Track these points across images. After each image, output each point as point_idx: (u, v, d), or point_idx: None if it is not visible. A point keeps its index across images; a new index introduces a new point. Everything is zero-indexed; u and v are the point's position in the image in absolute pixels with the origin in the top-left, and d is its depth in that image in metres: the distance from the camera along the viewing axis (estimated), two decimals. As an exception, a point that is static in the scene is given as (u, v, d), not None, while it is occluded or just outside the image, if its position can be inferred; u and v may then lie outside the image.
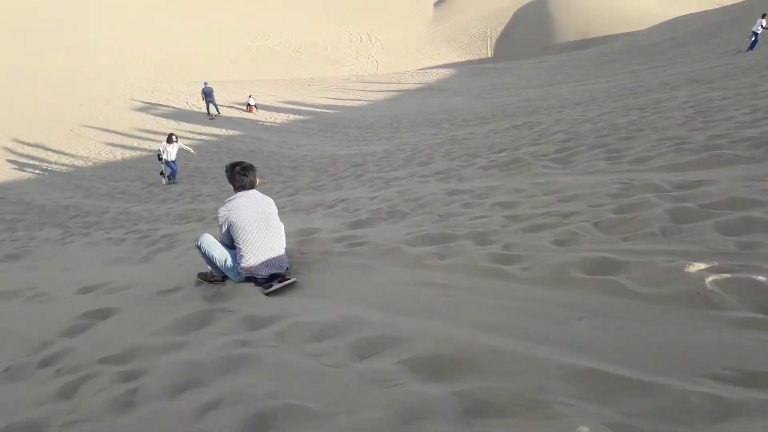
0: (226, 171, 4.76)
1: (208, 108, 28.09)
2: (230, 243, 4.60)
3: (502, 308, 3.22)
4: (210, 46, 50.54)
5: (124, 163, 20.80)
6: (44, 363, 3.75)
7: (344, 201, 8.03)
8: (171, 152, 16.06)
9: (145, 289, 5.07)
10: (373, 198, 7.64)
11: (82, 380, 3.25)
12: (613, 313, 2.97)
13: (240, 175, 4.64)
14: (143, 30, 52.20)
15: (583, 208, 4.91)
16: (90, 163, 21.24)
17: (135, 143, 23.52)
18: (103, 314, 4.51)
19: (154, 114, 28.35)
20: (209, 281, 4.79)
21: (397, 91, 35.06)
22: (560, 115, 14.24)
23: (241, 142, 22.33)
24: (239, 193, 4.65)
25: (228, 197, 4.68)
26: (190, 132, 24.68)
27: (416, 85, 36.89)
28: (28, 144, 23.87)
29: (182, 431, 2.48)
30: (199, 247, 4.64)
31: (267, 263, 4.47)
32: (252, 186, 4.68)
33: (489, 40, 57.54)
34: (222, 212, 4.53)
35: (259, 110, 28.65)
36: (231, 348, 3.27)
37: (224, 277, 4.70)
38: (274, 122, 26.33)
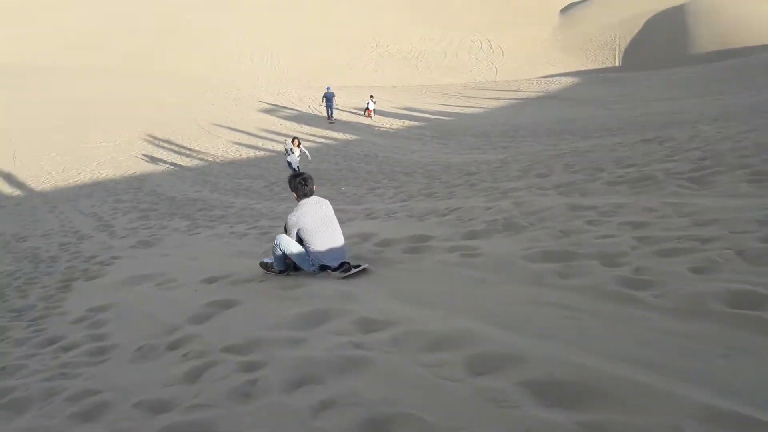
0: (289, 182, 5.61)
1: (328, 112, 29.09)
2: (299, 243, 5.34)
3: (632, 337, 3.02)
4: (332, 53, 52.38)
5: (249, 162, 21.98)
6: (173, 346, 4.02)
7: (457, 210, 7.95)
8: (296, 156, 16.72)
9: (265, 283, 5.30)
10: (488, 208, 7.49)
11: (206, 366, 3.44)
12: (760, 353, 2.68)
13: (302, 185, 5.42)
14: (273, 37, 55.08)
15: (724, 233, 4.51)
16: (217, 160, 22.65)
17: (259, 143, 24.81)
18: (227, 304, 4.77)
19: (278, 116, 29.79)
20: (268, 271, 5.70)
21: (515, 99, 34.40)
22: (695, 131, 13.26)
23: (358, 146, 22.85)
24: (302, 201, 5.43)
25: (294, 206, 5.54)
26: (310, 135, 25.65)
27: (536, 94, 35.99)
28: (163, 140, 25.90)
29: (297, 428, 2.54)
30: (278, 245, 5.33)
31: (335, 255, 5.30)
32: (311, 193, 5.47)
33: (617, 49, 54.99)
34: (291, 220, 5.33)
35: (376, 115, 29.23)
36: (346, 349, 3.32)
37: (281, 271, 5.52)
38: (389, 128, 26.75)
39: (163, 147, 24.98)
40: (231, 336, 3.92)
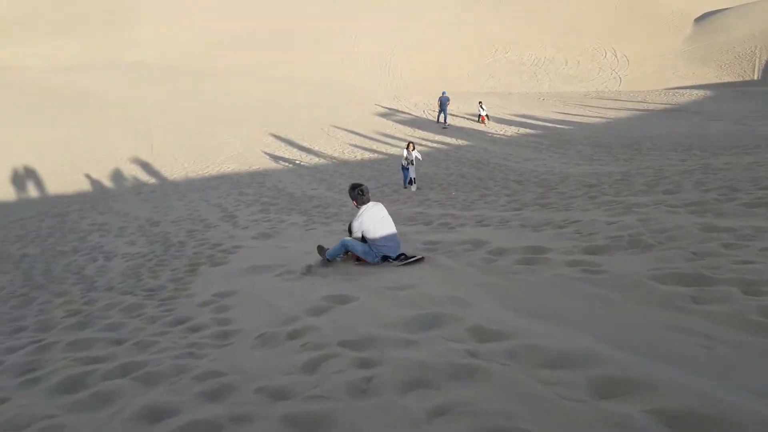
0: (350, 192, 6.83)
1: (438, 117, 29.11)
2: (363, 241, 6.55)
3: (779, 374, 2.72)
4: (450, 59, 52.33)
5: (362, 163, 22.47)
6: (292, 335, 4.16)
7: (576, 223, 7.62)
8: (409, 160, 16.64)
9: (378, 282, 5.36)
10: (611, 223, 7.11)
11: (323, 358, 3.52)
12: None
13: (360, 195, 6.68)
14: (392, 43, 56.00)
15: None
16: (333, 161, 23.35)
17: (374, 146, 25.29)
18: (342, 299, 4.87)
19: (393, 120, 30.21)
20: (320, 255, 7.05)
21: (640, 110, 32.53)
22: None
23: (469, 152, 22.65)
24: (363, 208, 6.62)
25: (355, 212, 6.75)
26: (423, 139, 25.77)
27: (663, 106, 33.82)
28: (285, 139, 27.09)
29: (412, 430, 2.53)
30: (345, 245, 6.66)
31: (393, 247, 6.42)
32: (369, 200, 6.69)
33: (757, 61, 50.46)
34: (356, 225, 6.55)
35: (490, 121, 28.83)
36: (460, 356, 3.27)
37: (327, 260, 6.87)
38: (503, 134, 26.27)
39: (285, 145, 26.12)
40: (347, 331, 3.99)
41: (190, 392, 3.25)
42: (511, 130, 27.18)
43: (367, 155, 23.80)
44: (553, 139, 24.45)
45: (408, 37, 57.03)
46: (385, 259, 6.35)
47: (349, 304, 4.74)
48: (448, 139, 25.55)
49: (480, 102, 29.76)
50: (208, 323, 4.93)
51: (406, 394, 2.89)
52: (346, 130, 28.35)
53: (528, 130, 26.97)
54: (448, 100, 28.97)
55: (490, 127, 27.94)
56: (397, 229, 6.78)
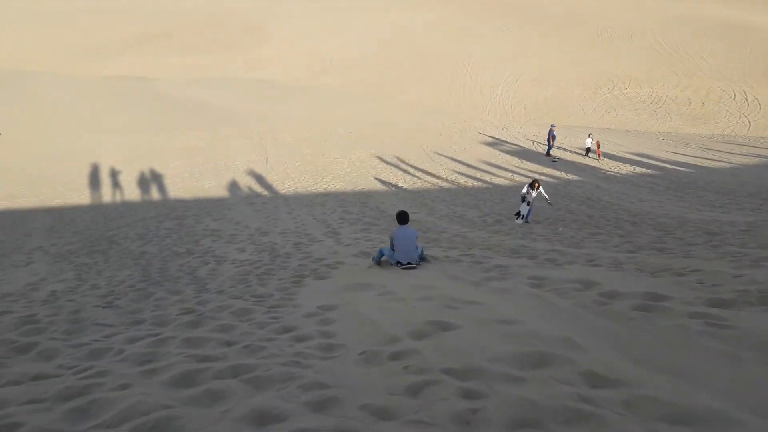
0: (396, 215, 9.71)
1: (549, 150, 28.47)
2: (391, 247, 9.18)
3: None
4: (565, 91, 51.19)
5: (465, 191, 22.36)
6: (394, 356, 4.15)
7: (698, 272, 7.10)
8: (531, 196, 15.80)
9: (482, 312, 5.25)
10: (737, 276, 6.57)
11: (426, 384, 3.48)
12: None
13: (399, 219, 9.49)
14: (505, 73, 55.75)
15: None
16: (436, 186, 23.42)
17: (478, 174, 25.12)
18: (444, 326, 4.82)
19: (500, 150, 29.91)
20: (376, 263, 9.56)
21: (772, 158, 30.12)
22: None
23: (579, 187, 21.92)
24: (398, 228, 9.29)
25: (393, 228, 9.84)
26: (531, 171, 25.29)
27: (800, 155, 31.13)
28: (390, 162, 27.53)
29: (522, 470, 2.43)
30: (381, 250, 9.52)
31: (405, 257, 8.98)
32: (406, 222, 9.42)
33: None
34: (391, 235, 9.22)
35: (603, 158, 27.78)
36: (572, 400, 3.11)
37: (377, 263, 9.54)
38: (617, 172, 25.21)
39: (390, 168, 26.55)
40: (450, 359, 3.93)
41: (296, 400, 3.32)
42: (626, 169, 26.04)
43: (470, 183, 23.66)
44: (671, 181, 23.16)
45: (523, 69, 56.49)
46: (398, 263, 9.08)
47: (453, 331, 4.67)
48: (556, 173, 24.90)
49: (590, 134, 28.80)
50: (312, 334, 5.04)
51: (514, 431, 2.79)
52: (450, 157, 28.39)
53: (644, 170, 25.73)
54: (556, 133, 28.39)
55: (604, 164, 26.92)
56: (500, 261, 6.67)
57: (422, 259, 9.40)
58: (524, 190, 15.85)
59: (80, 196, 22.09)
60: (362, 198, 21.32)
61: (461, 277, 7.87)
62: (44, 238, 16.41)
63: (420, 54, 62.11)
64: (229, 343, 4.90)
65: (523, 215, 15.83)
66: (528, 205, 15.75)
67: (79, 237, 16.28)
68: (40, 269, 12.46)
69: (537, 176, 24.22)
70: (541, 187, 16.04)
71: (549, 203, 16.79)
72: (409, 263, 8.98)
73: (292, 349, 4.56)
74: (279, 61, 61.85)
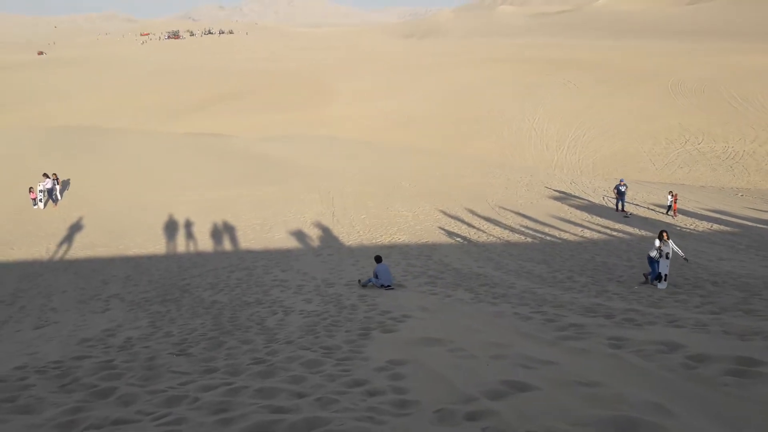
0: (375, 258, 14.84)
1: (617, 205, 27.66)
2: (375, 276, 14.11)
3: None
4: (635, 144, 50.09)
5: (533, 245, 21.89)
6: (470, 417, 4.02)
7: (794, 336, 6.61)
8: (668, 247, 14.17)
9: (560, 373, 5.04)
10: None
11: (507, 447, 3.34)
12: None
13: (377, 259, 14.66)
14: (573, 126, 55.28)
15: None
16: (502, 240, 23.06)
17: (545, 229, 24.60)
18: (522, 387, 4.64)
19: (568, 204, 29.30)
20: (361, 285, 14.72)
21: None
22: None
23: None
24: (379, 264, 14.43)
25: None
26: (602, 227, 24.57)
27: None
28: (454, 216, 27.41)
29: None
30: (371, 280, 14.48)
31: (386, 282, 14.00)
32: (381, 261, 14.58)
33: None
34: (375, 269, 14.50)
35: (678, 215, 26.69)
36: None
37: (363, 285, 14.65)
38: (693, 229, 24.11)
39: (454, 222, 26.42)
40: (530, 421, 3.77)
41: (373, 458, 3.24)
42: (702, 226, 24.89)
43: (538, 238, 23.18)
44: (752, 239, 21.92)
45: (591, 123, 55.83)
46: (382, 286, 14.12)
47: (531, 392, 4.50)
48: (629, 229, 24.05)
49: (671, 192, 27.74)
50: (384, 389, 4.97)
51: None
52: (516, 211, 28.01)
53: (722, 227, 24.50)
54: (626, 188, 27.56)
55: (679, 221, 25.84)
56: (574, 319, 6.44)
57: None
58: (657, 245, 14.18)
59: (156, 246, 23.05)
60: (426, 251, 21.23)
61: (535, 335, 7.63)
62: (121, 286, 17.13)
63: (484, 109, 62.66)
64: (300, 395, 4.89)
65: (665, 275, 13.97)
66: (667, 258, 14.01)
67: (153, 285, 16.90)
68: (117, 316, 12.97)
69: (609, 232, 23.50)
70: (670, 240, 14.46)
71: (685, 259, 15.09)
72: (389, 286, 14.18)
73: (365, 404, 4.50)
74: (347, 118, 63.81)
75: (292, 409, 4.40)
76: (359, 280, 15.22)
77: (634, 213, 27.30)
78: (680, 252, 14.55)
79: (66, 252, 22.21)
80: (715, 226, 24.77)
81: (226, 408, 4.57)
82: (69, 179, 29.87)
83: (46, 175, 27.04)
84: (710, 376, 4.86)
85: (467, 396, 4.50)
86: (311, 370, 5.93)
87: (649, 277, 14.27)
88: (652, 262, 14.18)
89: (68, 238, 23.62)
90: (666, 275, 13.86)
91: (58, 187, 27.74)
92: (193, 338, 9.19)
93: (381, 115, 64.00)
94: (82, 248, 22.53)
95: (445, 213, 27.87)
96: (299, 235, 24.50)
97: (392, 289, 14.04)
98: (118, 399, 5.14)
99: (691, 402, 4.18)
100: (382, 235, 24.24)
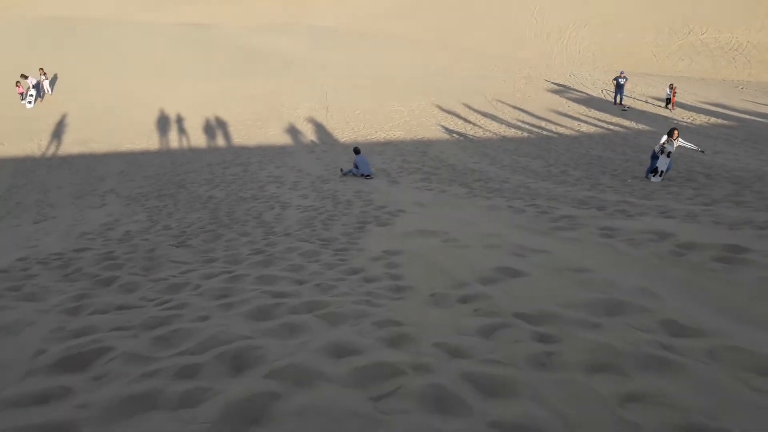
0: (354, 150, 15.95)
1: (615, 98, 27.27)
2: (355, 166, 15.60)
3: None
4: (635, 37, 48.42)
5: (529, 140, 21.79)
6: (463, 300, 4.17)
7: (782, 225, 6.75)
8: (672, 146, 13.90)
9: (552, 260, 5.17)
10: (827, 231, 6.21)
11: (498, 326, 3.48)
12: None
13: (356, 151, 15.73)
14: (573, 17, 53.09)
15: None
16: (498, 136, 22.90)
17: (542, 123, 24.39)
18: (513, 273, 4.78)
19: (566, 97, 28.83)
20: (343, 174, 16.21)
21: None
22: None
23: (650, 138, 20.95)
24: (358, 156, 15.64)
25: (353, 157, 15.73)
26: (599, 120, 24.35)
27: None
28: (450, 111, 27.02)
29: (603, 411, 2.41)
30: (351, 170, 15.90)
31: (366, 171, 15.46)
32: (359, 153, 15.76)
33: None
34: (355, 160, 15.79)
35: (676, 108, 26.38)
36: (651, 347, 3.05)
37: (344, 174, 16.20)
38: (691, 123, 23.94)
39: (450, 117, 26.10)
40: (521, 304, 3.90)
41: (371, 336, 3.39)
42: (700, 119, 24.70)
43: (535, 132, 23.03)
44: (749, 132, 21.84)
45: (593, 12, 53.60)
46: (362, 175, 15.53)
47: (522, 278, 4.64)
48: (626, 123, 23.86)
49: (671, 85, 27.20)
50: (380, 276, 5.11)
51: (592, 375, 2.76)
52: (514, 105, 27.61)
53: (720, 120, 24.32)
54: (626, 80, 27.02)
55: (677, 114, 25.59)
56: (567, 211, 6.56)
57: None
58: (662, 141, 13.94)
59: (148, 141, 22.82)
60: (422, 147, 21.13)
61: (527, 227, 7.75)
62: (116, 182, 17.15)
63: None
64: (300, 282, 5.03)
65: (662, 170, 13.85)
66: (668, 156, 13.84)
67: (149, 181, 16.92)
68: (114, 211, 13.08)
69: (606, 126, 23.33)
70: (680, 137, 14.16)
71: (701, 151, 14.86)
72: (368, 175, 15.54)
73: (363, 289, 4.65)
74: (337, 6, 61.01)
75: (293, 294, 4.55)
76: (341, 169, 16.78)
77: (632, 106, 26.97)
78: (694, 146, 14.35)
79: (58, 148, 21.99)
80: (713, 120, 24.59)
81: (228, 294, 4.72)
82: (56, 74, 28.95)
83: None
84: (698, 262, 5.00)
85: (460, 281, 4.65)
86: (309, 260, 6.07)
87: (647, 171, 14.25)
88: (654, 156, 14.14)
89: (60, 134, 23.32)
90: (662, 171, 13.79)
91: (46, 81, 26.91)
92: (192, 231, 9.31)
93: (374, 3, 61.19)
94: (74, 144, 22.29)
95: (441, 108, 27.46)
96: (293, 130, 24.23)
97: (371, 177, 15.53)
98: (120, 287, 5.28)
99: (678, 286, 4.33)
100: (377, 131, 24.00)
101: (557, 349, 3.05)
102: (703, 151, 15.18)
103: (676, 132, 13.96)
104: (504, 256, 5.59)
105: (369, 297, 4.35)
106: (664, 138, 13.95)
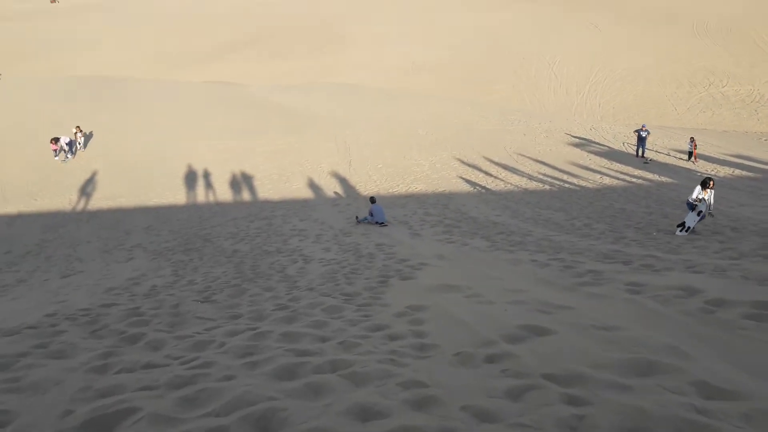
0: (369, 199, 17.56)
1: (637, 151, 27.28)
2: (370, 214, 16.73)
3: None
4: (656, 89, 48.75)
5: (551, 193, 21.78)
6: (490, 359, 4.11)
7: (815, 281, 6.58)
8: (705, 201, 13.43)
9: (578, 317, 5.09)
10: None
11: (527, 388, 3.42)
12: None
13: (372, 200, 17.23)
14: (592, 71, 53.79)
15: None
16: (520, 188, 22.95)
17: (564, 176, 24.41)
18: (540, 331, 4.71)
19: (587, 150, 28.92)
20: (358, 221, 17.25)
21: None
22: None
23: (673, 190, 20.83)
24: (373, 204, 16.93)
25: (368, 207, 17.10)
26: (621, 173, 24.31)
27: None
28: (472, 164, 27.24)
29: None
30: (365, 217, 17.03)
31: (380, 219, 16.51)
32: (375, 202, 17.16)
33: None
34: (370, 209, 16.79)
35: (699, 161, 26.25)
36: (684, 410, 2.96)
37: (360, 222, 17.17)
38: (715, 175, 23.74)
39: (471, 170, 26.29)
40: (549, 364, 3.84)
41: (396, 397, 3.35)
42: (723, 171, 24.51)
43: (557, 185, 23.02)
44: (776, 184, 21.58)
45: (612, 67, 54.31)
46: (377, 223, 16.54)
47: (549, 336, 4.56)
48: (649, 175, 23.77)
49: (692, 138, 27.16)
50: (405, 333, 5.08)
51: (628, 441, 2.68)
52: (535, 159, 27.76)
53: (744, 172, 24.10)
54: (648, 133, 27.08)
55: (699, 167, 25.45)
56: (592, 266, 6.54)
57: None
58: (695, 194, 13.40)
59: (176, 196, 23.32)
60: (443, 200, 21.24)
61: (552, 282, 7.68)
62: (143, 236, 17.46)
63: (504, 53, 61.01)
64: (323, 339, 5.02)
65: (689, 226, 13.23)
66: (699, 215, 13.26)
67: (175, 235, 17.19)
68: (141, 265, 13.26)
69: (629, 179, 23.25)
70: (714, 188, 13.64)
71: (710, 213, 13.98)
72: (382, 223, 16.56)
73: (386, 347, 4.61)
74: (361, 65, 62.65)
75: (317, 352, 4.53)
76: (357, 216, 17.91)
77: (654, 159, 26.93)
78: (712, 203, 13.83)
79: (88, 203, 22.57)
80: (737, 171, 24.39)
81: (253, 351, 4.71)
82: (92, 131, 29.93)
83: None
84: (729, 319, 4.89)
85: (486, 339, 4.59)
86: (333, 316, 6.06)
87: (689, 227, 13.37)
88: (690, 206, 13.60)
89: (90, 189, 23.96)
90: (689, 227, 13.34)
91: (81, 139, 27.77)
92: (217, 286, 9.39)
93: (396, 62, 62.79)
94: (103, 199, 22.86)
95: (462, 161, 27.71)
96: (316, 185, 24.59)
97: (385, 225, 16.53)
98: (146, 344, 5.31)
99: (709, 345, 4.22)
100: (398, 185, 24.24)
101: (587, 413, 2.98)
102: (712, 214, 14.38)
103: (711, 183, 13.53)
104: (529, 312, 5.53)
105: (393, 356, 4.32)
106: (698, 189, 13.57)
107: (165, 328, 6.04)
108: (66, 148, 26.80)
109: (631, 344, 4.18)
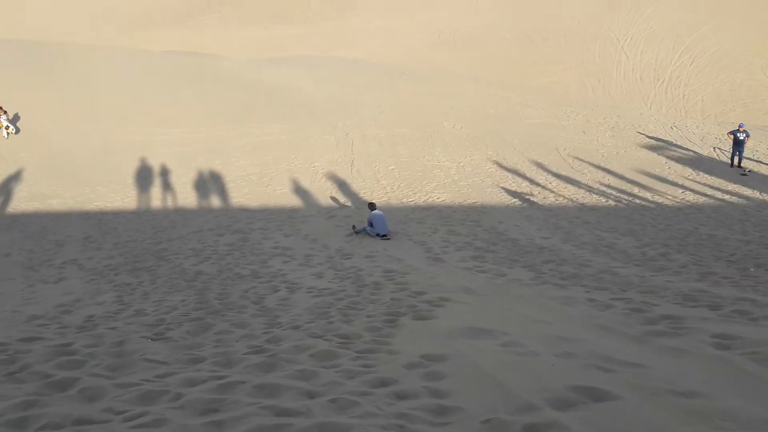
0: (368, 205, 19.24)
1: (732, 159, 27.19)
2: (370, 224, 18.03)
3: None
4: (762, 78, 48.77)
5: (617, 211, 21.76)
6: (529, 430, 4.10)
7: None
8: None
9: (649, 379, 5.08)
10: None
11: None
12: None
13: (371, 206, 18.67)
14: (673, 52, 53.91)
15: None
16: (575, 203, 22.96)
17: (634, 189, 24.41)
18: (597, 395, 4.72)
19: (666, 156, 28.93)
20: (355, 232, 18.55)
21: None
22: None
23: (780, 213, 20.77)
24: (373, 212, 18.20)
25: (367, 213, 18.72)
26: (710, 187, 24.26)
27: None
28: (513, 169, 27.32)
29: None
30: (365, 227, 18.13)
31: (381, 231, 17.74)
32: (375, 208, 18.47)
33: None
34: (369, 217, 18.00)
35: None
36: None
37: (357, 232, 18.48)
38: (838, 194, 23.68)
39: (512, 177, 26.35)
40: (609, 440, 3.84)
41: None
42: None
43: (624, 201, 23.03)
44: None
45: (702, 48, 54.40)
46: (377, 235, 17.51)
47: (609, 402, 4.57)
48: (747, 191, 23.71)
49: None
50: (418, 392, 5.08)
51: None
52: (596, 164, 27.79)
53: None
54: (747, 136, 26.95)
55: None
56: (668, 310, 6.59)
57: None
58: None
59: (124, 199, 23.50)
60: (474, 215, 21.27)
61: (615, 329, 7.67)
62: (79, 250, 17.57)
63: (560, 26, 61.40)
64: (311, 395, 5.04)
65: None
66: None
67: (121, 250, 17.30)
68: (74, 287, 13.35)
69: (719, 195, 23.19)
70: None
71: None
72: (384, 235, 17.45)
73: (393, 409, 4.63)
74: (372, 34, 63.18)
75: (302, 411, 4.54)
76: (353, 226, 19.04)
77: (755, 170, 26.84)
78: None
79: (8, 204, 22.74)
80: None
81: (218, 408, 4.73)
82: (17, 113, 30.19)
83: None
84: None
85: (525, 404, 4.59)
86: (324, 364, 6.07)
87: None
88: None
89: (12, 186, 24.16)
90: None
91: (6, 123, 27.93)
92: (173, 318, 9.43)
93: (420, 32, 63.23)
94: (29, 199, 23.06)
95: (500, 165, 27.79)
96: (308, 190, 24.74)
97: (387, 238, 17.59)
98: (80, 392, 5.34)
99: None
100: (416, 193, 24.34)
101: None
102: None
103: None
104: (584, 370, 5.53)
105: (402, 420, 4.33)
106: None
107: (104, 373, 6.07)
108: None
109: (719, 417, 4.18)
